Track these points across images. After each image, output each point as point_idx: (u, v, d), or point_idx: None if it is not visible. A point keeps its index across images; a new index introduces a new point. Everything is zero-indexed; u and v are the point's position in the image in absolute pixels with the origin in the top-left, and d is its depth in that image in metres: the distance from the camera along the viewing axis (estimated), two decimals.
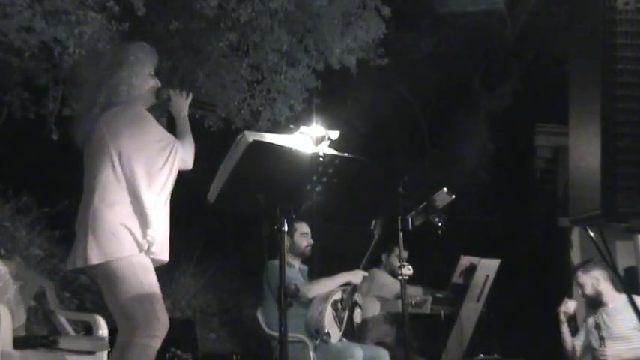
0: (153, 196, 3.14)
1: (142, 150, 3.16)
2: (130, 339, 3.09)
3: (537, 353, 6.22)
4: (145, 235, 3.12)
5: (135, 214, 3.12)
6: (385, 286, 5.67)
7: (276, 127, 6.84)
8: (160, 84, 3.42)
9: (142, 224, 3.12)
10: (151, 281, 3.16)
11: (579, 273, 5.01)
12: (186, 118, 3.35)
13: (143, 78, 3.33)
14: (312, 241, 5.00)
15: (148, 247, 3.14)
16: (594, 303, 4.97)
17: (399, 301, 4.47)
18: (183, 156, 3.25)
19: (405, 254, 5.50)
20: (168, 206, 3.32)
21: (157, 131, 3.24)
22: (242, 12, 6.35)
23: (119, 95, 3.25)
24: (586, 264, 5.07)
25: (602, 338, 4.78)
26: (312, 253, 5.11)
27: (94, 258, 3.09)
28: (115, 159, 3.14)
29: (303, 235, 4.97)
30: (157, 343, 3.11)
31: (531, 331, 8.11)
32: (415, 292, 5.54)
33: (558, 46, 10.06)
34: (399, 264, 4.43)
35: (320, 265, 5.15)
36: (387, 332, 5.62)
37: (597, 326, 4.84)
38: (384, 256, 5.79)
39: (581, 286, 4.99)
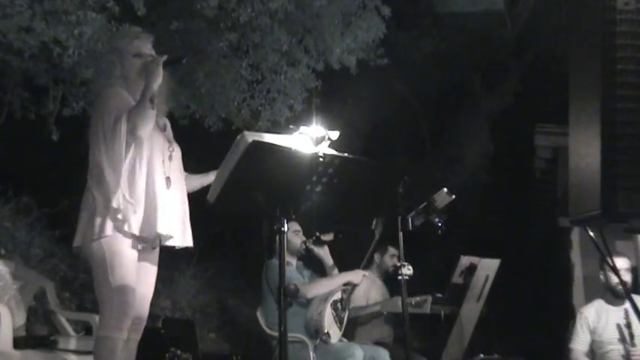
0: (116, 169, 3.17)
1: (101, 131, 3.22)
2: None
3: (537, 353, 6.23)
4: (114, 213, 3.15)
5: (104, 196, 3.18)
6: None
7: (276, 127, 6.84)
8: (149, 53, 3.38)
9: (108, 202, 3.17)
10: (124, 272, 3.19)
11: (620, 258, 4.73)
12: (150, 88, 3.22)
13: (122, 63, 3.36)
14: (304, 238, 5.01)
15: (127, 224, 3.15)
16: (620, 294, 4.72)
17: (399, 301, 4.46)
18: (130, 126, 3.18)
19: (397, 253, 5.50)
20: (172, 187, 3.32)
21: (112, 110, 3.23)
22: (242, 12, 6.34)
23: (97, 83, 3.44)
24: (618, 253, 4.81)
25: (632, 337, 4.60)
26: (312, 252, 5.11)
27: (76, 241, 3.25)
28: (93, 145, 3.26)
29: (295, 233, 4.97)
30: (121, 335, 3.16)
31: (531, 331, 8.11)
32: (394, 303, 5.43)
33: (558, 46, 10.07)
34: (399, 264, 4.42)
35: (320, 265, 5.15)
36: (387, 332, 5.61)
37: (628, 325, 4.62)
38: (376, 256, 5.70)
39: (617, 271, 4.61)
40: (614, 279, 4.72)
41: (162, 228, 3.23)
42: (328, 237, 5.00)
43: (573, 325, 4.94)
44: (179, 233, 3.34)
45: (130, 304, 3.18)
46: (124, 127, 3.16)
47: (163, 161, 3.34)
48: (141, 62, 3.35)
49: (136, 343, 3.35)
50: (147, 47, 3.40)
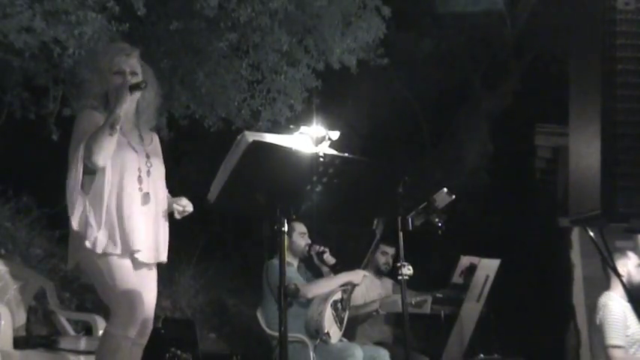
0: (75, 193, 3.21)
1: (71, 153, 3.25)
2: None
3: (537, 353, 6.23)
4: (77, 235, 3.22)
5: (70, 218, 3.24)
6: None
7: (276, 127, 6.83)
8: (130, 70, 3.36)
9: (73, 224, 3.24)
10: (123, 275, 3.23)
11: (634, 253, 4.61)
12: (114, 114, 3.20)
13: (102, 82, 3.36)
14: (309, 241, 5.00)
15: (89, 244, 3.19)
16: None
17: (399, 301, 4.46)
18: (86, 153, 3.18)
19: (391, 251, 5.51)
20: (151, 202, 3.33)
21: (79, 134, 3.27)
22: (242, 12, 6.34)
23: (76, 104, 3.46)
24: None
25: None
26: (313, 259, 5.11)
27: (69, 262, 3.38)
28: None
29: (301, 235, 4.96)
30: (125, 333, 3.18)
31: (531, 331, 8.11)
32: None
33: (558, 46, 10.07)
34: (398, 264, 4.42)
35: (320, 270, 5.15)
36: (387, 332, 5.62)
37: None
38: (369, 254, 5.70)
39: (617, 272, 4.46)
40: None
41: (137, 248, 3.25)
42: (331, 260, 5.00)
43: (604, 320, 4.58)
44: (152, 249, 3.35)
45: (138, 303, 3.21)
46: (81, 152, 3.18)
47: (139, 177, 3.32)
48: (122, 79, 3.32)
49: (142, 348, 3.36)
50: (128, 64, 3.36)
